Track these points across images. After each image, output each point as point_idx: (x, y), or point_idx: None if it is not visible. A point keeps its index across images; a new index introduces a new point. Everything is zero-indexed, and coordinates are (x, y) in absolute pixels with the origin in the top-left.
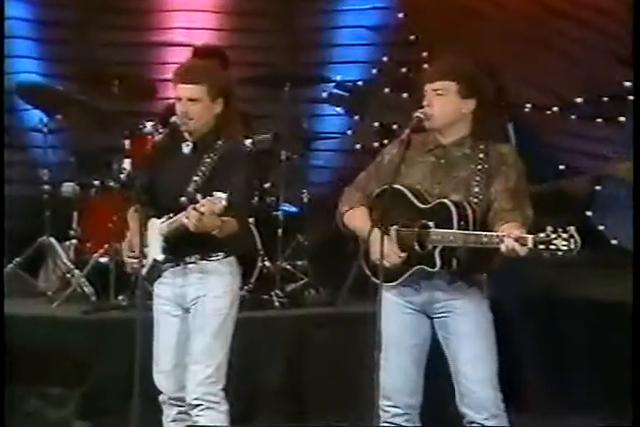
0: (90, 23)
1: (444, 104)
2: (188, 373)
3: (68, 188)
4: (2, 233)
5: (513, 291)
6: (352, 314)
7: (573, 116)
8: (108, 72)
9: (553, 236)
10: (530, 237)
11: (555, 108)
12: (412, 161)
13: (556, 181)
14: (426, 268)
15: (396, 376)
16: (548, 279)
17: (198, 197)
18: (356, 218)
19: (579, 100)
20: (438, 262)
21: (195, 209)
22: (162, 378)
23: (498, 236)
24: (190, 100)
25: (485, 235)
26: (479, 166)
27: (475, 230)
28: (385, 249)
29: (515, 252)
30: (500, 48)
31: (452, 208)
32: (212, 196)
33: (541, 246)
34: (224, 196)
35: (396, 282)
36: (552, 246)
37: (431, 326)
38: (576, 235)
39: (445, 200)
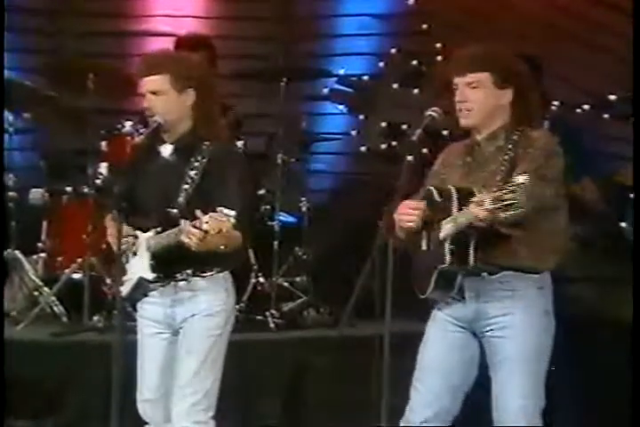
0: (61, 10)
1: (482, 98)
2: (175, 398)
3: (36, 194)
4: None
5: None
6: (357, 337)
7: (606, 116)
8: (83, 65)
9: (503, 191)
10: (487, 197)
11: (585, 106)
12: (452, 166)
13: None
14: (441, 266)
15: (427, 402)
16: (578, 296)
17: (198, 213)
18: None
19: (612, 97)
20: (448, 257)
21: (196, 227)
22: (148, 407)
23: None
24: (152, 93)
25: (463, 211)
26: (506, 156)
27: None
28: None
29: (476, 217)
30: (523, 38)
31: (454, 195)
32: (214, 211)
33: (495, 206)
34: (232, 213)
35: (427, 293)
36: (503, 203)
37: (480, 349)
38: (523, 182)
39: (450, 187)
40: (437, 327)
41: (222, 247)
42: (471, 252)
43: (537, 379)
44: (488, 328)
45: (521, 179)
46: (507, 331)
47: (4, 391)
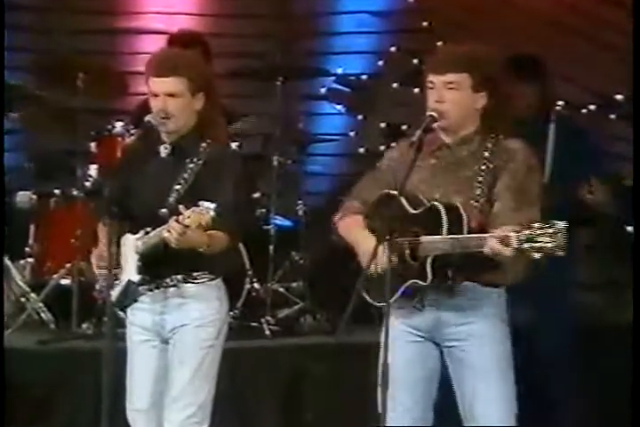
0: (51, 6)
1: (459, 99)
2: (168, 411)
3: (23, 197)
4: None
5: (547, 315)
6: (355, 344)
7: (612, 116)
8: (72, 63)
9: (539, 232)
10: (513, 235)
11: (591, 107)
12: (407, 164)
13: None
14: (418, 281)
15: (401, 416)
16: (589, 303)
17: (181, 208)
18: (348, 226)
19: (619, 97)
20: (429, 274)
21: (177, 222)
22: (137, 417)
23: (481, 238)
24: (169, 95)
25: (471, 238)
26: (483, 166)
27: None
28: (377, 257)
29: (499, 254)
30: (527, 36)
31: (442, 211)
32: (197, 206)
33: (526, 245)
34: (212, 206)
35: (391, 300)
36: (537, 244)
37: (440, 357)
38: (563, 229)
39: (435, 203)
40: (396, 338)
41: (205, 247)
42: (450, 271)
43: (509, 386)
44: (450, 337)
45: (562, 224)
46: (470, 339)
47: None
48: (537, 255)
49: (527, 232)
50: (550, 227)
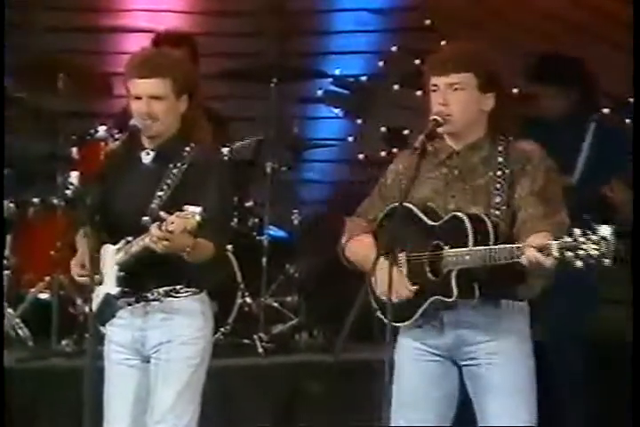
0: (30, 2)
1: (465, 101)
2: None
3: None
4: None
5: (565, 331)
6: (354, 363)
7: (628, 121)
8: (53, 63)
9: (581, 239)
10: (554, 243)
11: (605, 110)
12: (419, 177)
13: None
14: (442, 298)
15: None
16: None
17: (162, 214)
18: (359, 248)
19: (632, 100)
20: (455, 290)
21: (160, 228)
22: None
23: (518, 247)
24: (152, 97)
25: (505, 248)
26: (499, 172)
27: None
28: (393, 282)
29: (539, 264)
30: (540, 34)
31: (466, 221)
32: (181, 210)
33: (569, 254)
34: (198, 210)
35: (409, 321)
36: (581, 252)
37: (459, 376)
38: (609, 235)
39: (458, 213)
40: (411, 358)
41: (188, 251)
42: (477, 285)
43: (532, 405)
44: (470, 356)
45: (606, 231)
46: (492, 357)
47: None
48: (580, 264)
49: (569, 240)
50: (594, 233)
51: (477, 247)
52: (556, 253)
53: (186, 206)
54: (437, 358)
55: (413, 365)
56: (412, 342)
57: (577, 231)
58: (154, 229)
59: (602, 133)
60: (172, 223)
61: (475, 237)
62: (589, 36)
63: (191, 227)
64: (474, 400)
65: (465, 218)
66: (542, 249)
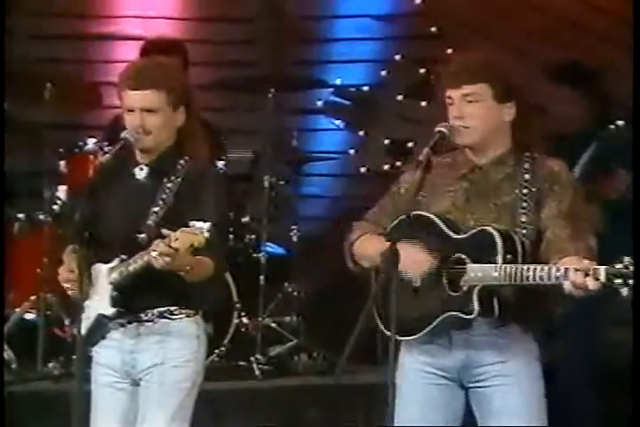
0: (15, 9)
1: (481, 113)
2: None
3: None
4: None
5: (578, 352)
6: (355, 386)
7: None
8: (39, 72)
9: (632, 268)
10: (602, 268)
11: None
12: (437, 190)
13: None
14: (460, 315)
15: None
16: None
17: (164, 231)
18: (370, 242)
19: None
20: (476, 307)
21: (164, 244)
22: None
23: (559, 269)
24: (147, 110)
25: (543, 268)
26: (525, 190)
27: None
28: (414, 254)
29: (585, 289)
30: (553, 42)
31: (497, 237)
32: (186, 226)
33: (618, 281)
34: (206, 226)
35: (416, 336)
36: (631, 281)
37: (465, 399)
38: None
39: (488, 228)
40: (414, 381)
41: (187, 268)
42: (497, 304)
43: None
44: (479, 378)
45: None
46: (501, 379)
47: None
48: (626, 293)
49: (619, 266)
50: None
51: (507, 265)
52: (603, 279)
53: (192, 222)
54: (443, 382)
55: (418, 390)
56: (417, 363)
57: (626, 258)
58: (160, 245)
59: (606, 148)
60: (177, 240)
61: (504, 255)
62: (600, 40)
63: (199, 243)
64: (480, 422)
65: (495, 233)
66: (588, 273)
